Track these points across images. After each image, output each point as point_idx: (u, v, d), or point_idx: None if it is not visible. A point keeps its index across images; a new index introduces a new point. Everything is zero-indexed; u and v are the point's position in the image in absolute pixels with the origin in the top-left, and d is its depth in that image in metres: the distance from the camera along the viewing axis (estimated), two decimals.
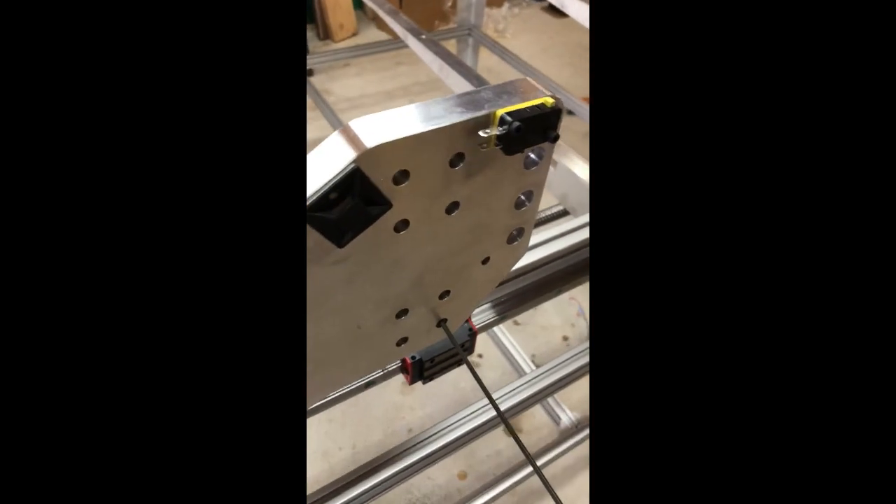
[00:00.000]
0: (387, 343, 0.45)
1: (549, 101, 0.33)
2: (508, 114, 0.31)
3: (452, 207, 0.36)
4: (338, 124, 1.75)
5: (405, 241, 0.35)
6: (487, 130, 0.31)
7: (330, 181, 0.28)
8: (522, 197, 0.40)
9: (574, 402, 1.34)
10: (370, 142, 0.28)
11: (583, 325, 1.52)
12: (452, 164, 0.33)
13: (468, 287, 0.46)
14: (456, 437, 0.68)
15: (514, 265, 0.48)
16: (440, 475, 1.19)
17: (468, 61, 2.12)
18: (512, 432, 0.44)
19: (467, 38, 2.06)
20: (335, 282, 0.35)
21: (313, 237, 0.31)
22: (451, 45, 2.20)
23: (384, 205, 0.32)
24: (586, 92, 2.42)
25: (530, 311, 1.55)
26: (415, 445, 0.66)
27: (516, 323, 1.51)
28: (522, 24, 3.10)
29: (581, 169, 0.67)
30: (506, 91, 0.33)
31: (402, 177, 0.31)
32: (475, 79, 0.81)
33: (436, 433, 0.68)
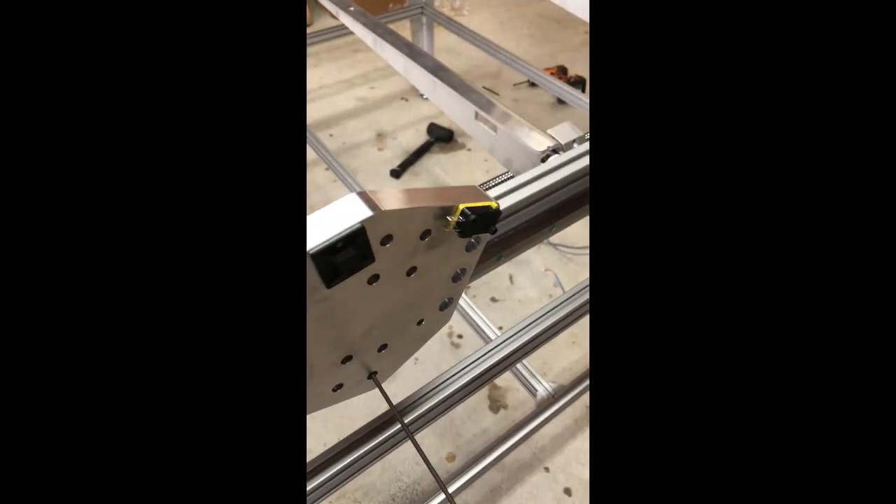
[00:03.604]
0: (327, 386, 0.51)
1: (494, 205, 0.43)
2: (468, 208, 0.41)
3: (411, 271, 0.44)
4: None
5: (371, 292, 0.42)
6: (450, 217, 0.41)
7: (341, 233, 0.35)
8: (459, 272, 0.49)
9: (555, 373, 1.35)
10: (376, 208, 0.36)
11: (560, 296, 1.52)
12: (422, 236, 0.41)
13: (402, 344, 0.53)
14: (437, 401, 0.66)
15: (439, 330, 0.55)
16: (429, 459, 1.19)
17: (423, 41, 2.08)
18: (418, 449, 0.53)
19: (420, 17, 2.02)
20: (311, 317, 0.40)
21: (312, 275, 0.36)
22: (404, 26, 2.16)
23: (370, 259, 0.38)
24: (547, 62, 2.39)
25: (506, 287, 1.55)
26: (394, 416, 0.64)
27: (493, 300, 1.50)
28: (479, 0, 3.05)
29: (528, 136, 0.66)
30: (466, 192, 0.45)
31: (387, 240, 0.38)
32: (440, 69, 0.78)
33: (414, 401, 0.66)
